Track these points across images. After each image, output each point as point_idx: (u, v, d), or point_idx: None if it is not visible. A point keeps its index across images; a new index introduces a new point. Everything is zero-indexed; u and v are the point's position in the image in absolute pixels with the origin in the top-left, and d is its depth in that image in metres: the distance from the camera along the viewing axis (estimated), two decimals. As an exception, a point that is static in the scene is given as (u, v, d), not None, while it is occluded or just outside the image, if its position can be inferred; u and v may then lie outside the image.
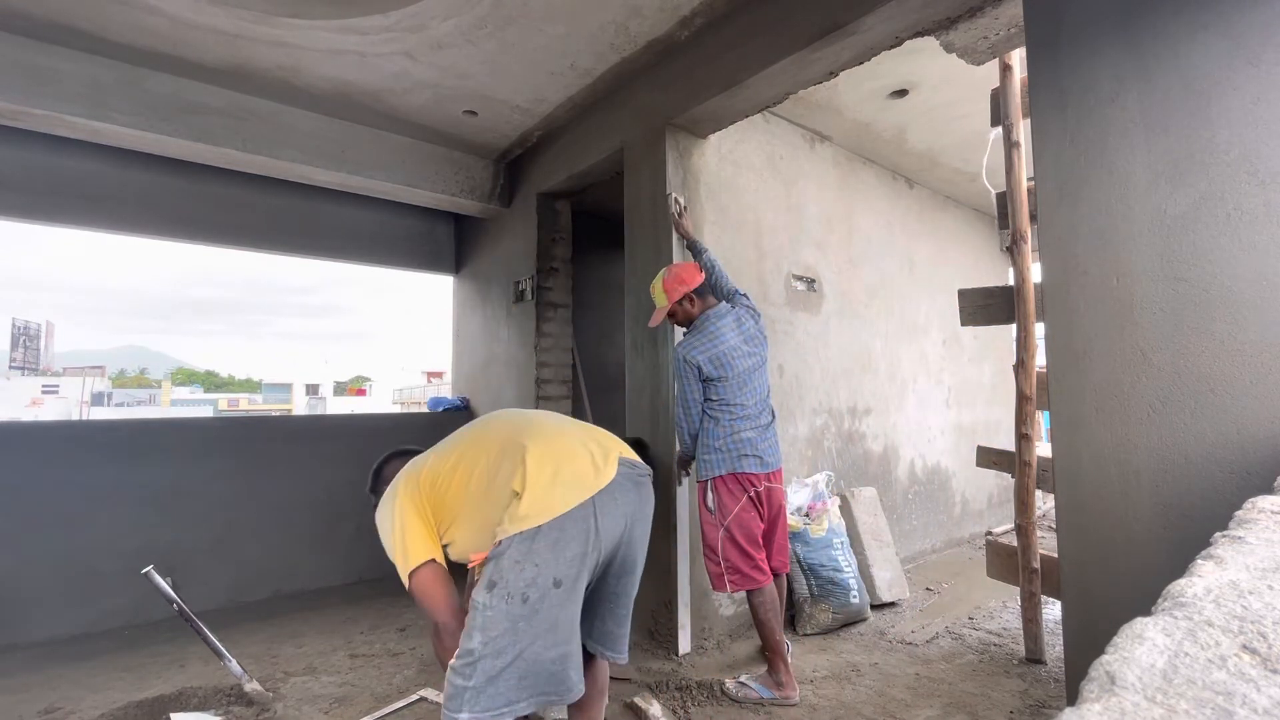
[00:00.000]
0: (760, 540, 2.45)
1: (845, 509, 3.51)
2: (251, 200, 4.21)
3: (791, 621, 3.05)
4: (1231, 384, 1.44)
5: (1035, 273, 2.50)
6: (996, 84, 2.68)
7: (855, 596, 3.05)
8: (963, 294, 2.80)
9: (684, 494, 2.81)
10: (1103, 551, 1.62)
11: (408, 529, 1.52)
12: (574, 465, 1.53)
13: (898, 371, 4.28)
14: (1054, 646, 2.67)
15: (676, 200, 2.91)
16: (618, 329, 5.14)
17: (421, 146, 3.99)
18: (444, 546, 1.57)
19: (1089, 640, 1.65)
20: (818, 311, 3.69)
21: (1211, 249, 1.47)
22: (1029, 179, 2.42)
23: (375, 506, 1.64)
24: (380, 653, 2.88)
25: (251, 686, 2.40)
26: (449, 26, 2.72)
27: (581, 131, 3.58)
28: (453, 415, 4.67)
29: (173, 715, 2.27)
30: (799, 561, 3.06)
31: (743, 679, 2.41)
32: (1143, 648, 0.44)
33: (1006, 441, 3.02)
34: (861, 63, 2.46)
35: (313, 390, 42.35)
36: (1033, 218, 2.62)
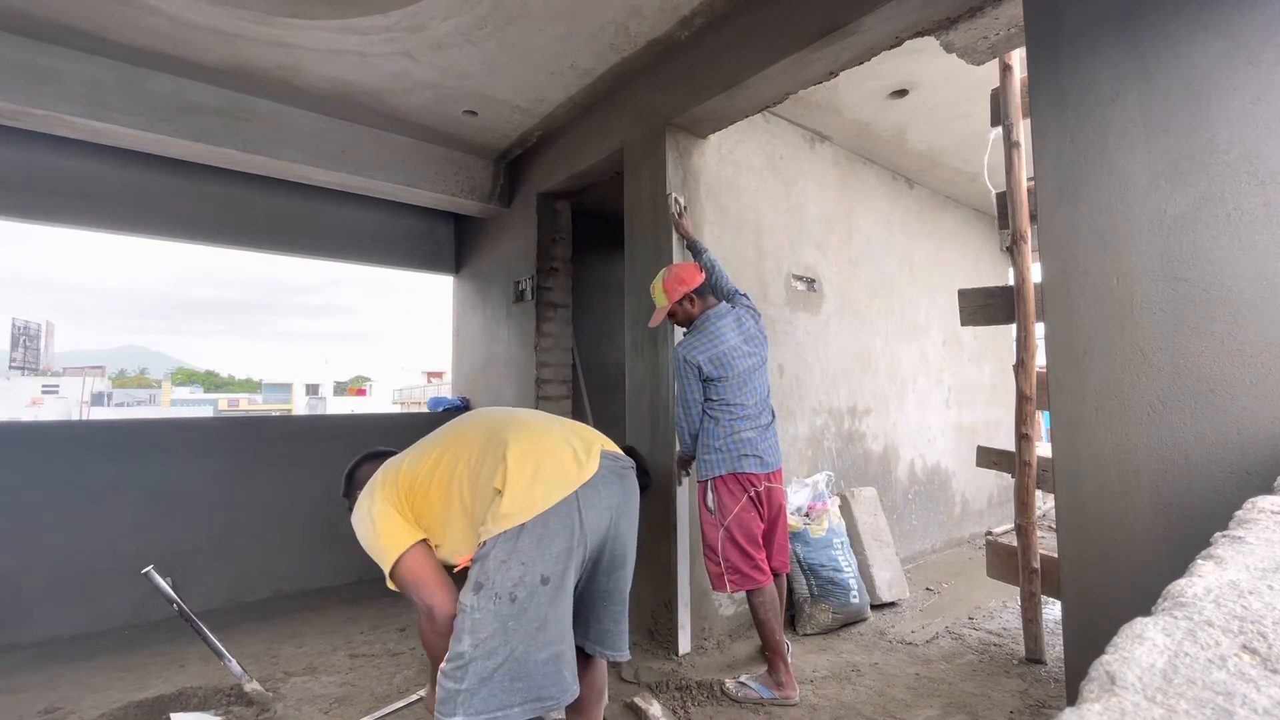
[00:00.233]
0: (760, 540, 2.45)
1: (845, 509, 3.51)
2: (251, 200, 4.21)
3: (791, 621, 3.05)
4: (1231, 384, 1.44)
5: (1035, 273, 2.50)
6: (996, 84, 2.68)
7: (855, 596, 3.05)
8: (963, 294, 2.80)
9: (684, 494, 2.81)
10: (1103, 551, 1.62)
11: (387, 521, 1.48)
12: (556, 460, 1.50)
13: (898, 371, 4.28)
14: (1054, 646, 2.67)
15: (676, 200, 2.91)
16: (618, 329, 5.14)
17: (421, 146, 3.99)
18: (433, 548, 1.55)
19: (1089, 640, 1.65)
20: (818, 311, 3.69)
21: (1211, 249, 1.47)
22: (1029, 179, 2.42)
23: (350, 510, 1.60)
24: (380, 653, 2.88)
25: (251, 686, 2.40)
26: (449, 26, 2.72)
27: (581, 131, 3.58)
28: (453, 415, 4.66)
29: (173, 715, 2.27)
30: (799, 561, 3.06)
31: (743, 679, 2.41)
32: (1143, 648, 0.44)
33: (1006, 441, 3.02)
34: (861, 63, 2.46)
35: (313, 390, 42.34)
36: (1033, 218, 2.62)
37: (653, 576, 2.85)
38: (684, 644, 2.76)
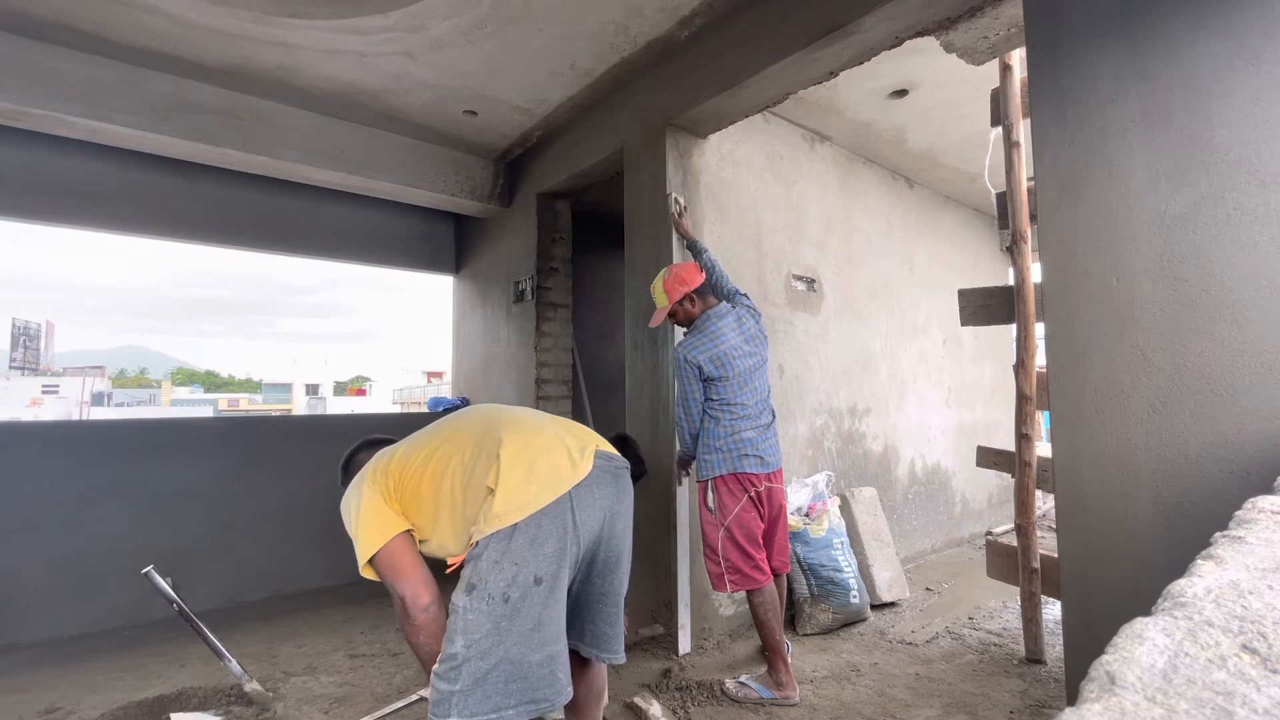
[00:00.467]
0: (760, 540, 2.45)
1: (845, 509, 3.51)
2: (251, 200, 4.21)
3: (791, 621, 3.05)
4: (1231, 384, 1.44)
5: (1035, 273, 2.49)
6: (996, 84, 2.69)
7: (855, 596, 3.05)
8: (963, 294, 2.80)
9: (684, 494, 2.81)
10: (1103, 551, 1.62)
11: (373, 509, 1.49)
12: (549, 459, 1.50)
13: (898, 371, 4.28)
14: (1054, 646, 2.67)
15: (676, 200, 2.91)
16: (618, 329, 5.14)
17: (421, 146, 3.99)
18: (419, 543, 1.54)
19: (1089, 640, 1.65)
20: (818, 311, 3.69)
21: (1211, 249, 1.47)
22: (1029, 179, 2.42)
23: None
24: (380, 653, 2.88)
25: (251, 686, 2.39)
26: (449, 26, 2.72)
27: (581, 131, 3.58)
28: (453, 415, 4.66)
29: (173, 715, 2.27)
30: (799, 561, 3.06)
31: (743, 679, 2.41)
32: (1143, 648, 0.44)
33: (1006, 441, 3.02)
34: (861, 63, 2.46)
35: (313, 390, 42.31)
36: (1033, 218, 2.62)
37: (653, 576, 2.85)
38: (684, 644, 2.76)
